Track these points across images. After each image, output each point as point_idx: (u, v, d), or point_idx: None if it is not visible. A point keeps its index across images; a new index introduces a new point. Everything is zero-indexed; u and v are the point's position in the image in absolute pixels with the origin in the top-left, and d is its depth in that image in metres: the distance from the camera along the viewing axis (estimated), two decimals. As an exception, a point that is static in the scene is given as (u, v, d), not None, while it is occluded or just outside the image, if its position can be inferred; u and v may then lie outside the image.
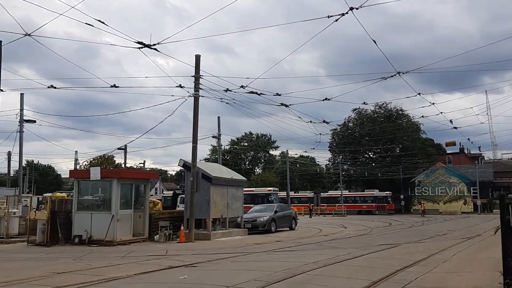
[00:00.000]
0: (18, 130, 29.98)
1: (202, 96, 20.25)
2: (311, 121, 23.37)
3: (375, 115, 69.35)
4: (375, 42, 14.75)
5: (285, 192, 54.26)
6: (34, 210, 21.15)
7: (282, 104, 19.70)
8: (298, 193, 67.04)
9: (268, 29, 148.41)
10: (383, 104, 67.85)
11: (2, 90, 23.88)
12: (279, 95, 19.43)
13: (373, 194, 61.49)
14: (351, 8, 12.46)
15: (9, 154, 46.48)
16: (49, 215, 17.42)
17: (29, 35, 13.53)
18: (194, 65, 19.99)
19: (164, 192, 63.41)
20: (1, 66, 23.52)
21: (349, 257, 12.29)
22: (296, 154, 73.74)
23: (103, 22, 13.37)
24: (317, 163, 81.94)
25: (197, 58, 20.07)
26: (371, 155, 72.11)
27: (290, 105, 19.75)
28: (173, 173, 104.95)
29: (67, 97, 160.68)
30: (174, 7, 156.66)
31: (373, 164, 67.09)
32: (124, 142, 72.40)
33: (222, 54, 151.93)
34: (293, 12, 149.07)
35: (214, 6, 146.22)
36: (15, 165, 49.30)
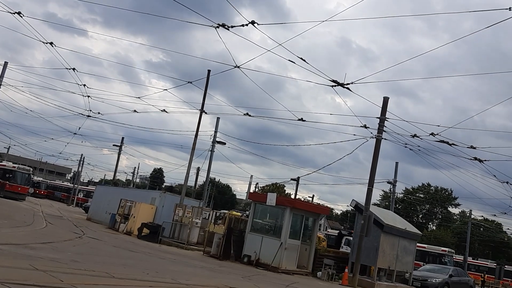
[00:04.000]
0: (210, 149, 33.52)
1: (384, 139, 19.66)
2: (507, 182, 20.57)
3: None
4: None
5: (462, 256, 48.60)
6: (213, 223, 23.12)
7: (475, 159, 17.83)
8: (477, 260, 59.33)
9: (458, 75, 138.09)
10: None
11: (205, 112, 27.27)
12: (474, 148, 17.64)
13: None
14: None
15: (198, 169, 52.32)
16: (225, 231, 18.77)
17: (239, 67, 15.04)
18: (373, 106, 19.60)
19: (328, 230, 62.92)
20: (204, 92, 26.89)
21: None
22: (480, 216, 65.78)
23: (304, 60, 14.10)
24: (505, 230, 71.56)
25: (385, 100, 19.64)
26: None
27: (485, 160, 17.74)
28: (338, 212, 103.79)
29: (248, 124, 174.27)
30: (360, 48, 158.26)
31: None
32: (295, 173, 74.67)
33: (404, 98, 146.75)
34: (488, 59, 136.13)
35: (402, 50, 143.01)
36: (200, 180, 55.33)
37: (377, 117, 19.59)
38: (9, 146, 67.35)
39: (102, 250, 14.10)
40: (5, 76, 31.15)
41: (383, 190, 67.63)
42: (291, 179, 41.71)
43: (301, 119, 18.22)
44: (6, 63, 31.58)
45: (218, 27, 13.64)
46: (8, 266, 7.23)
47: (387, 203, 49.73)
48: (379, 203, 75.04)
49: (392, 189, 36.50)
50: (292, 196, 44.09)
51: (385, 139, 19.72)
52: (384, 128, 19.51)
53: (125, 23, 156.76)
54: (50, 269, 7.46)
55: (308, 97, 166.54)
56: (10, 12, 18.72)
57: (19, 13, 18.52)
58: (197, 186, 57.15)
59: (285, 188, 63.59)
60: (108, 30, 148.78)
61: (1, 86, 31.21)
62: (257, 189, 52.33)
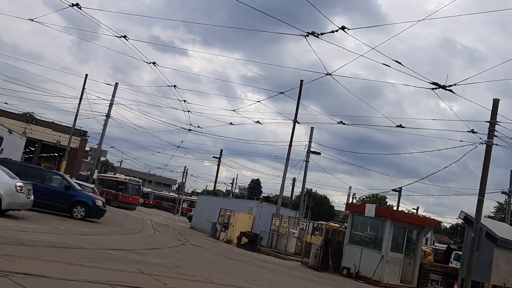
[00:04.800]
0: (305, 159, 33.38)
1: (496, 145, 17.98)
2: None
3: None
4: None
5: None
6: (310, 234, 22.91)
7: None
8: None
9: None
10: None
11: (298, 122, 27.31)
12: None
13: None
14: None
15: (293, 180, 52.38)
16: (323, 242, 18.46)
17: (330, 74, 14.84)
18: (482, 110, 17.99)
19: (435, 244, 58.96)
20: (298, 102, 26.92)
21: None
22: None
23: (399, 63, 13.52)
24: None
25: (495, 102, 17.97)
26: None
27: None
28: (447, 225, 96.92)
29: (345, 134, 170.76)
30: (465, 48, 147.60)
31: None
32: (397, 184, 71.35)
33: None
34: None
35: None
36: (296, 191, 55.30)
37: (486, 121, 18.01)
38: (122, 160, 73.50)
39: (203, 257, 14.63)
40: (116, 96, 34.15)
41: (497, 202, 61.77)
42: (393, 190, 39.86)
43: (400, 126, 17.37)
44: (116, 84, 34.62)
45: (307, 35, 13.61)
46: (118, 269, 7.78)
47: (502, 216, 45.28)
48: (493, 215, 68.76)
49: (507, 200, 33.23)
50: (394, 208, 42.17)
51: (496, 144, 18.05)
52: (496, 133, 17.88)
53: (222, 40, 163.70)
54: (155, 273, 7.88)
55: (408, 103, 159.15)
56: (117, 36, 20.50)
57: (124, 36, 20.20)
58: (293, 197, 57.20)
59: (386, 200, 60.98)
60: (207, 49, 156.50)
61: (113, 105, 34.23)
62: (355, 200, 50.94)
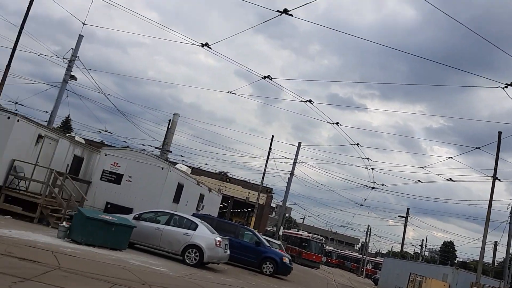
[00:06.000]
0: (508, 221, 28.99)
1: None
2: None
3: None
4: None
5: None
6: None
7: None
8: None
9: None
10: None
11: (498, 179, 24.09)
12: None
13: None
14: None
15: (495, 244, 45.72)
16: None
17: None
18: None
19: None
20: (498, 156, 23.89)
21: None
22: None
23: None
24: None
25: None
26: None
27: None
28: None
29: None
30: None
31: None
32: None
33: None
34: None
35: None
36: (498, 256, 48.00)
37: None
38: (304, 217, 75.21)
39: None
40: (298, 155, 35.60)
41: None
42: None
43: None
44: (299, 144, 36.17)
45: (506, 87, 12.24)
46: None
47: None
48: None
49: None
50: None
51: None
52: None
53: (402, 93, 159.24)
54: None
55: None
56: (302, 101, 21.69)
57: (309, 101, 21.27)
58: (495, 263, 49.72)
59: None
60: (386, 103, 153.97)
61: (296, 163, 35.69)
62: None
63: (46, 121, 24.52)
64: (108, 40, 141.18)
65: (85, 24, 21.84)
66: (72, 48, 23.53)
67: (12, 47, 21.49)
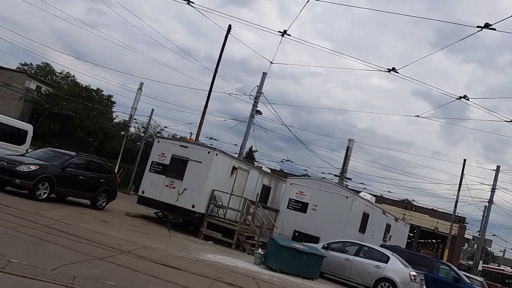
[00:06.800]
0: None
1: None
2: None
3: None
4: None
5: None
6: None
7: None
8: None
9: None
10: None
11: None
12: None
13: None
14: None
15: None
16: None
17: None
18: None
19: None
20: None
21: None
22: None
23: None
24: None
25: None
26: None
27: None
28: None
29: None
30: None
31: None
32: None
33: None
34: None
35: None
36: None
37: None
38: (505, 249, 65.63)
39: None
40: (498, 180, 31.40)
41: None
42: None
43: None
44: (498, 167, 31.91)
45: None
46: None
47: None
48: None
49: None
50: None
51: None
52: None
53: None
54: None
55: None
56: (506, 121, 19.08)
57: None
58: None
59: None
60: None
61: (495, 190, 31.51)
62: None
63: (236, 153, 26.73)
64: (282, 72, 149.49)
65: (272, 63, 23.35)
66: (257, 86, 25.34)
67: (208, 90, 24.33)
